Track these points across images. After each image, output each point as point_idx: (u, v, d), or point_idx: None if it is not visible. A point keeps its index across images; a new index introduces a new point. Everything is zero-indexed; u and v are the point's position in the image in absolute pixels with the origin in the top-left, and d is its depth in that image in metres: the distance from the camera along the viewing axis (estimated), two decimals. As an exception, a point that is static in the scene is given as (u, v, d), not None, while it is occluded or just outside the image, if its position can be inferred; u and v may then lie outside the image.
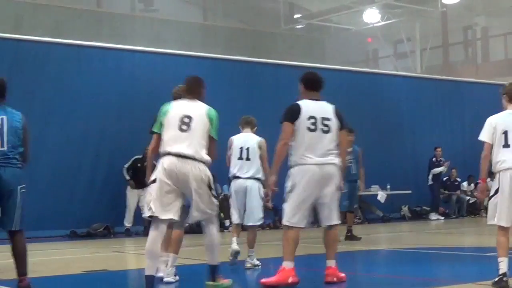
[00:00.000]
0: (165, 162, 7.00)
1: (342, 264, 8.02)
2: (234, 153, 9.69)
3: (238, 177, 9.61)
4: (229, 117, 17.88)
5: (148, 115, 16.41)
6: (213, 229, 7.20)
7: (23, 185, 6.96)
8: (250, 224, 9.55)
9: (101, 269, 9.48)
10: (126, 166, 16.04)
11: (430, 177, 19.89)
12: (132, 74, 16.75)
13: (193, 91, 7.46)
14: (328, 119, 7.87)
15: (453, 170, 20.71)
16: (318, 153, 7.72)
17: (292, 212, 7.80)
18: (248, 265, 9.41)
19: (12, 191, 6.86)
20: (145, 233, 15.47)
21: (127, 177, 15.94)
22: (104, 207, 15.96)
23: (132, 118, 16.45)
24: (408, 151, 20.86)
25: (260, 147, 9.68)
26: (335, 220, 7.95)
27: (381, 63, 37.50)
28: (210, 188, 7.06)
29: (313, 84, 8.18)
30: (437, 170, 19.85)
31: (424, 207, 20.38)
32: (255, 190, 9.48)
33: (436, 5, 30.04)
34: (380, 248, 12.77)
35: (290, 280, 7.59)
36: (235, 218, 9.65)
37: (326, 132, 7.80)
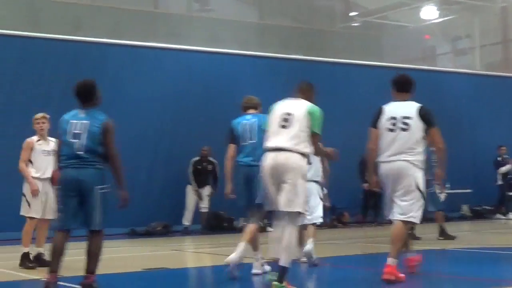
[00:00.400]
0: (265, 158, 7.30)
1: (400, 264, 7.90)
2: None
3: None
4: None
5: (205, 114, 16.71)
6: (289, 230, 7.08)
7: (103, 185, 7.15)
8: (311, 222, 9.75)
9: (161, 267, 9.54)
10: (190, 171, 16.05)
11: (498, 176, 19.58)
12: (189, 74, 16.85)
13: (300, 91, 7.80)
14: (408, 117, 8.01)
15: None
16: (393, 151, 7.92)
17: (385, 206, 8.19)
18: (304, 259, 9.52)
19: (90, 191, 7.05)
20: (203, 232, 15.60)
21: (195, 187, 16.03)
22: (163, 206, 16.08)
23: (189, 117, 16.58)
24: (467, 150, 20.50)
25: None
26: (394, 216, 7.82)
27: (439, 60, 36.96)
28: (303, 180, 7.22)
29: (399, 85, 8.43)
30: (503, 169, 19.54)
31: (485, 207, 20.00)
32: (314, 192, 9.87)
33: (496, 0, 29.51)
34: (442, 247, 12.57)
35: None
36: None
37: (405, 130, 7.94)
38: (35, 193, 9.52)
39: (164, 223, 15.67)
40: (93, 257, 7.13)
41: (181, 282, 8.80)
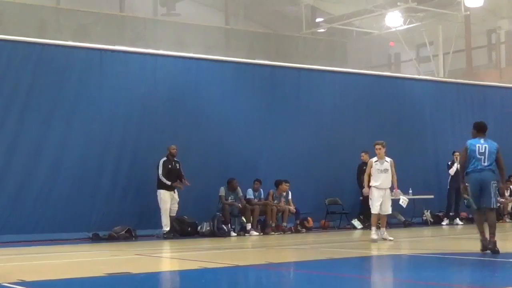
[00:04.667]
0: None
1: (363, 268, 7.95)
2: (374, 170, 14.31)
3: (376, 188, 14.16)
4: (251, 121, 18.05)
5: (169, 119, 16.67)
6: None
7: (495, 181, 11.33)
8: (386, 213, 14.38)
9: (123, 272, 9.50)
10: (161, 172, 15.86)
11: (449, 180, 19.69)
12: (154, 78, 16.80)
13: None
14: None
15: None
16: None
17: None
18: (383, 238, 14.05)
19: (488, 185, 11.24)
20: (167, 236, 15.50)
21: (168, 182, 15.85)
22: (126, 210, 15.97)
23: (153, 121, 16.53)
24: (430, 156, 20.74)
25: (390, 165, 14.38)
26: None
27: (403, 67, 37.38)
28: None
29: None
30: (450, 171, 19.57)
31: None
32: (388, 192, 14.29)
33: (459, 8, 29.89)
34: (402, 253, 12.69)
35: None
36: (376, 210, 14.13)
37: None
38: None
39: (127, 227, 15.57)
40: (491, 227, 11.22)
41: (144, 287, 8.77)
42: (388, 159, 14.48)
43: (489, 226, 11.27)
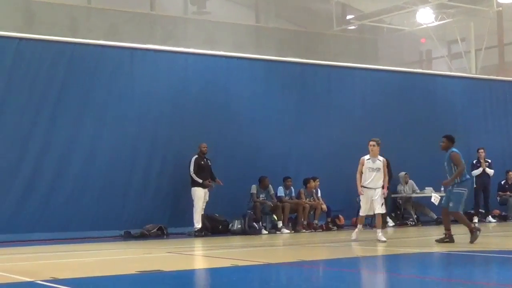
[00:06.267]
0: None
1: (395, 266, 7.90)
2: (365, 168, 13.67)
3: (365, 187, 13.65)
4: (281, 118, 18.02)
5: (200, 117, 16.71)
6: None
7: None
8: (377, 212, 13.55)
9: (155, 270, 9.54)
10: (192, 169, 15.89)
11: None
12: (185, 76, 16.86)
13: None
14: None
15: (511, 173, 20.29)
16: None
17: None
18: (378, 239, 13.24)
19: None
20: (198, 234, 15.54)
21: (200, 180, 15.86)
22: (158, 208, 16.06)
23: (184, 119, 16.58)
24: (462, 153, 20.44)
25: (383, 165, 13.73)
26: None
27: (435, 64, 37.06)
28: None
29: None
30: (476, 172, 19.39)
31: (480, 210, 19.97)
32: (379, 191, 13.59)
33: (491, 4, 29.58)
34: (435, 250, 12.58)
35: None
36: (362, 211, 13.76)
37: None
38: None
39: (159, 225, 15.64)
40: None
41: (176, 284, 8.79)
42: (381, 158, 13.76)
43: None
